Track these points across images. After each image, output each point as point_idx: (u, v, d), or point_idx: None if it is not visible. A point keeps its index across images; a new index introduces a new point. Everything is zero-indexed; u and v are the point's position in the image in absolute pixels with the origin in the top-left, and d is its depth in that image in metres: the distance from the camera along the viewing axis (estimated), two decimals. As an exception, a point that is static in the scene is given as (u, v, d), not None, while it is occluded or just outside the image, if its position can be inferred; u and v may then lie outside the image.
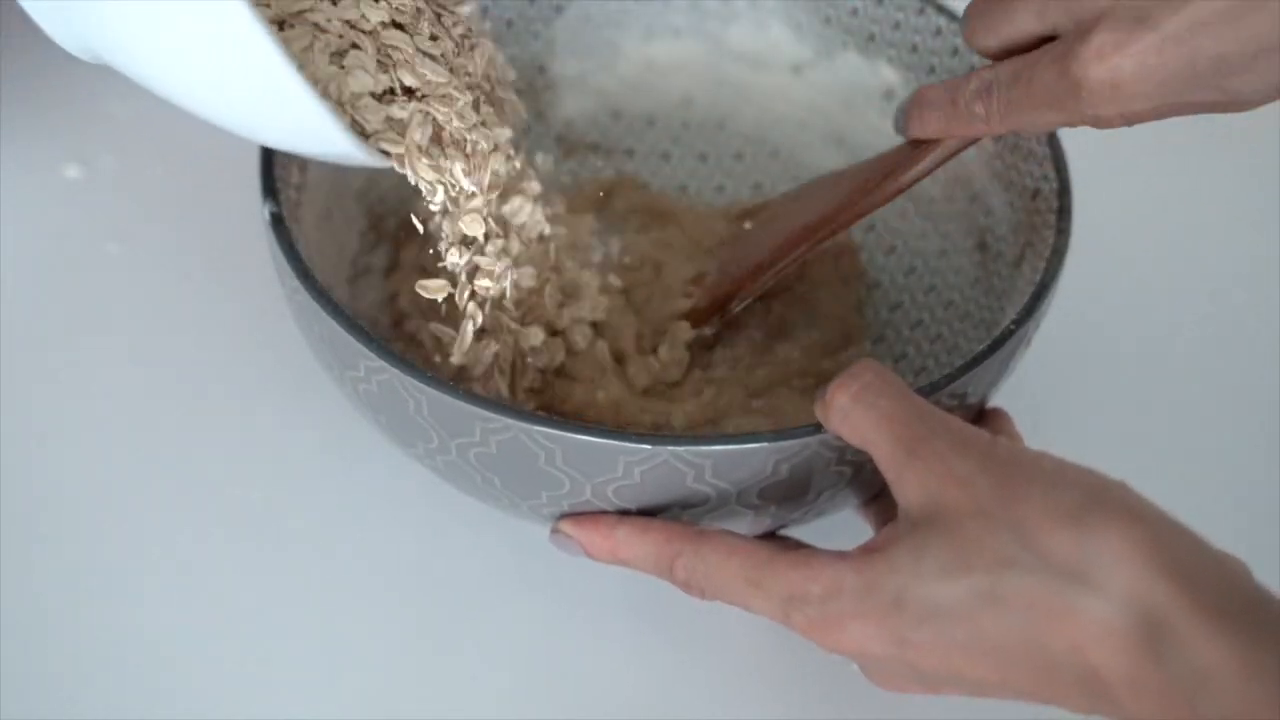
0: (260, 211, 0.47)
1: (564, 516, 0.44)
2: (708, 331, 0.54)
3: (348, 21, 0.44)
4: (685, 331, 0.53)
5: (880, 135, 0.58)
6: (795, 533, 0.46)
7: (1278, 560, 0.52)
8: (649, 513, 0.44)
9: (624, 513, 0.44)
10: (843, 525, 0.47)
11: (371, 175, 0.56)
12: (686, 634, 0.50)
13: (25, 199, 0.61)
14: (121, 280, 0.59)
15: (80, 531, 0.51)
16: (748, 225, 0.56)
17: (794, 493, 0.44)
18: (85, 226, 0.60)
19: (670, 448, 0.41)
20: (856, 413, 0.40)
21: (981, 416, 0.47)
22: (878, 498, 0.47)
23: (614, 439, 0.41)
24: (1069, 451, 0.39)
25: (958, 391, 0.44)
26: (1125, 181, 0.66)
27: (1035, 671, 0.37)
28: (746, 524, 0.45)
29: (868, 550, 0.39)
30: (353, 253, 0.55)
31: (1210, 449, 0.57)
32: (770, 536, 0.45)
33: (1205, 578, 0.35)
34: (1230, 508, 0.54)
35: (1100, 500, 0.36)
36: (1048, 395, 0.57)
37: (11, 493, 0.51)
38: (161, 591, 0.50)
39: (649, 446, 0.41)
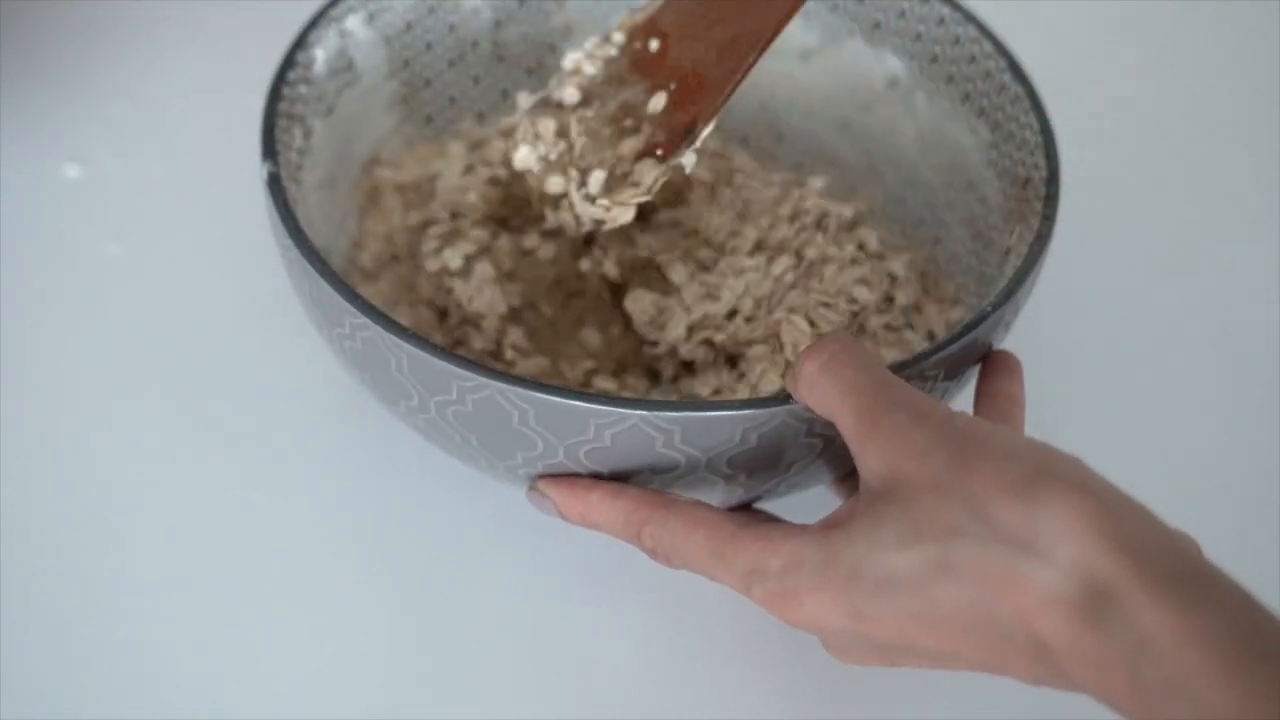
0: (259, 171, 0.48)
1: (542, 476, 0.45)
2: (678, 163, 0.49)
3: None
4: (653, 168, 0.49)
5: (885, 121, 0.58)
6: (772, 506, 0.46)
7: (1258, 544, 0.53)
8: (620, 477, 0.44)
9: (598, 476, 0.45)
10: (821, 500, 0.48)
11: (376, 146, 0.57)
12: (668, 601, 0.50)
13: (25, 199, 0.61)
14: (121, 280, 0.59)
15: (80, 529, 0.51)
16: (654, 43, 0.51)
17: (764, 463, 0.44)
18: (85, 226, 0.60)
19: (640, 412, 0.42)
20: (823, 382, 0.41)
21: (988, 358, 0.47)
22: (850, 475, 0.47)
23: (585, 401, 0.42)
24: (1059, 439, 0.39)
25: (930, 372, 0.44)
26: (1121, 173, 0.66)
27: (986, 641, 0.37)
28: (718, 493, 0.45)
29: (828, 525, 0.40)
30: (355, 221, 0.56)
31: (1197, 437, 0.57)
32: (743, 509, 0.46)
33: (1151, 549, 0.35)
34: (1212, 493, 0.54)
35: (1050, 473, 0.37)
36: (1035, 382, 0.57)
37: (11, 491, 0.51)
38: (160, 580, 0.50)
39: (619, 410, 0.42)
